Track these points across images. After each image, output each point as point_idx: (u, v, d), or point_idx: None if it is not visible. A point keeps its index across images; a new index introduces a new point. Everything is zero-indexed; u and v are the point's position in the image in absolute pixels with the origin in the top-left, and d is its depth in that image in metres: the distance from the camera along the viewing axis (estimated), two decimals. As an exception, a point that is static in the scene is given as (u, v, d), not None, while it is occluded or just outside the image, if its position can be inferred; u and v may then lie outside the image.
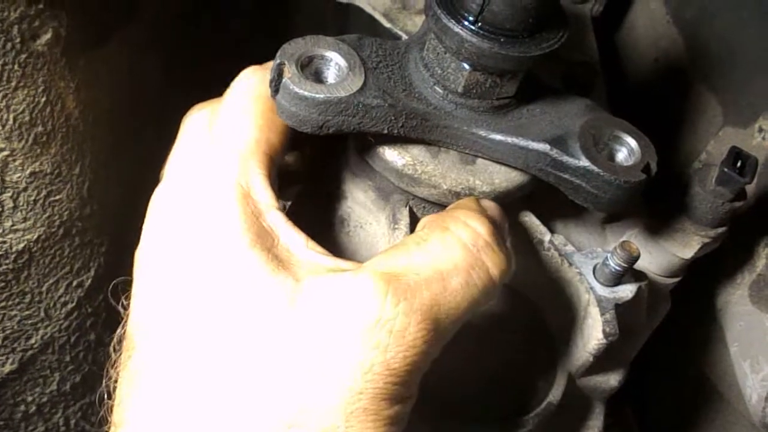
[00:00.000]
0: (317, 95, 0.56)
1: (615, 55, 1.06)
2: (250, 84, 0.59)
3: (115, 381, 0.52)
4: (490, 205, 0.63)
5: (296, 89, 0.56)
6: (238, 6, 1.07)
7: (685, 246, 0.70)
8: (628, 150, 0.62)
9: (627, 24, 1.05)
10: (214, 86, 0.62)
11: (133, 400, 0.49)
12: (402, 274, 0.49)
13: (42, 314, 0.77)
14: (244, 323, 0.48)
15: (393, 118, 0.60)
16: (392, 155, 0.63)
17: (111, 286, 0.59)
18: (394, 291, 0.48)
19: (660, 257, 0.72)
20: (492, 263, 0.53)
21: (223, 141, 0.56)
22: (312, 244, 0.52)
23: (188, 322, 0.49)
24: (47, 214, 0.71)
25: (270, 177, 0.55)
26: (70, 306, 0.80)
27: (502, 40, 0.56)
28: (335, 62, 0.60)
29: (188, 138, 0.58)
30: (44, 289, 0.77)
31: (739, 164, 0.64)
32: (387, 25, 0.92)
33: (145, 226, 0.54)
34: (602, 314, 0.64)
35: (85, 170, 0.72)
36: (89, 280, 0.82)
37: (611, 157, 0.62)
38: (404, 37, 0.91)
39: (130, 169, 0.82)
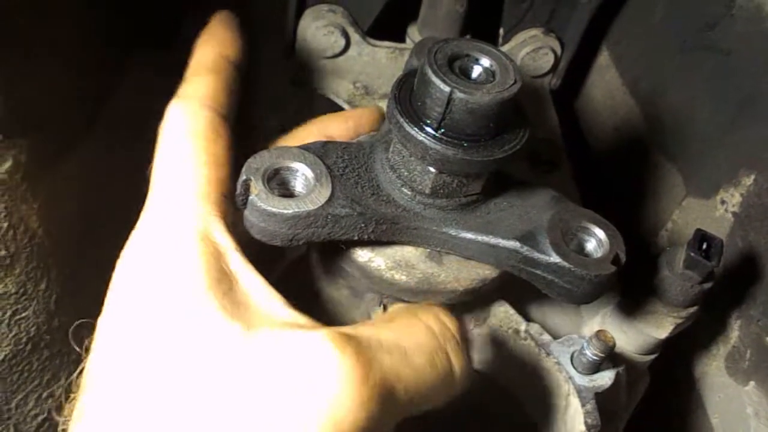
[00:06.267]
0: (285, 211, 0.56)
1: (576, 124, 1.08)
2: (180, 123, 0.59)
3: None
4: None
5: (263, 206, 0.56)
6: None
7: (659, 327, 0.70)
8: (596, 241, 0.62)
9: (585, 94, 1.07)
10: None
11: None
12: (363, 338, 0.48)
13: (11, 430, 0.74)
14: (191, 369, 0.46)
15: (363, 225, 0.60)
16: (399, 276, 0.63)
17: (73, 329, 0.57)
18: (353, 350, 0.46)
19: (635, 337, 0.72)
20: (455, 359, 0.53)
21: (174, 190, 0.55)
22: (271, 290, 0.51)
23: (139, 364, 0.48)
24: (13, 333, 0.69)
25: (226, 218, 0.54)
26: (40, 418, 0.77)
27: (465, 144, 0.57)
28: (301, 173, 0.60)
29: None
30: (13, 405, 0.74)
31: (705, 246, 0.65)
32: (351, 112, 0.93)
33: (115, 273, 0.53)
34: (583, 405, 0.63)
35: (51, 284, 0.70)
36: (60, 389, 0.79)
37: (580, 248, 0.63)
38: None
39: (100, 273, 0.80)
